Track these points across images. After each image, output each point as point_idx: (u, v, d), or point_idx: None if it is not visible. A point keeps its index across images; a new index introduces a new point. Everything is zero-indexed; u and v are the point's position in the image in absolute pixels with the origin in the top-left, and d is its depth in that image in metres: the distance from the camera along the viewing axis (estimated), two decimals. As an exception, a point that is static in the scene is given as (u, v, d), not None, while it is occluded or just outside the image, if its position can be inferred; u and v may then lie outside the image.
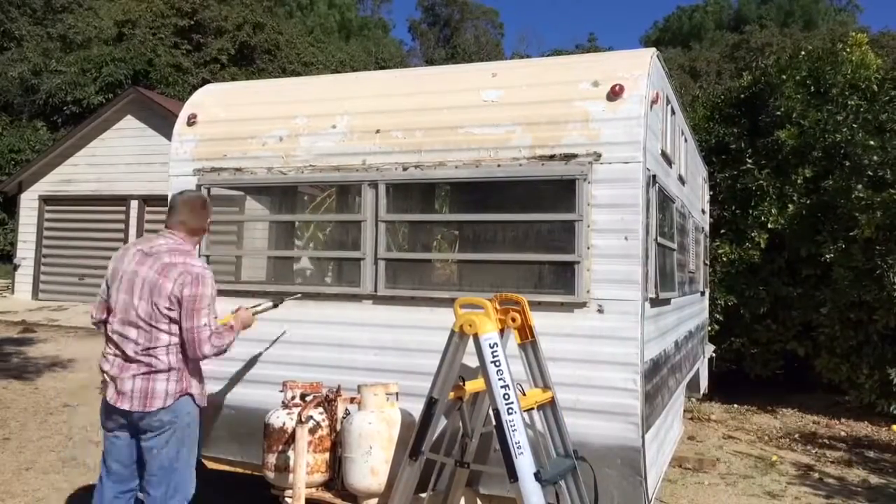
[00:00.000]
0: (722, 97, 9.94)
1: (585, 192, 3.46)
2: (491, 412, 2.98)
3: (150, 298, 3.15)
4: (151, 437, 3.18)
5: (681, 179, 4.90)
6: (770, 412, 8.10)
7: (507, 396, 2.90)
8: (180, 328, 3.16)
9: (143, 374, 3.14)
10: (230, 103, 4.53)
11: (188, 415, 3.25)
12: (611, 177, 3.43)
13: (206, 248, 4.32)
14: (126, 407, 3.14)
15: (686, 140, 5.29)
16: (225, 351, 3.31)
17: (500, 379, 2.92)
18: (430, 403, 3.20)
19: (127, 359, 3.16)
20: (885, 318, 7.47)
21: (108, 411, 3.25)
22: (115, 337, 3.20)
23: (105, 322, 3.30)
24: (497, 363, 2.93)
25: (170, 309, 3.14)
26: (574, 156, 3.49)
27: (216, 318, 3.31)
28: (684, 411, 6.65)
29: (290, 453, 3.54)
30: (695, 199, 6.16)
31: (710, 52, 43.85)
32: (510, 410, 2.89)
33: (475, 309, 3.13)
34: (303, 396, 3.69)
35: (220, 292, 4.25)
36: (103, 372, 3.25)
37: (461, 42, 53.03)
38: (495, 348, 2.95)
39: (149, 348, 3.14)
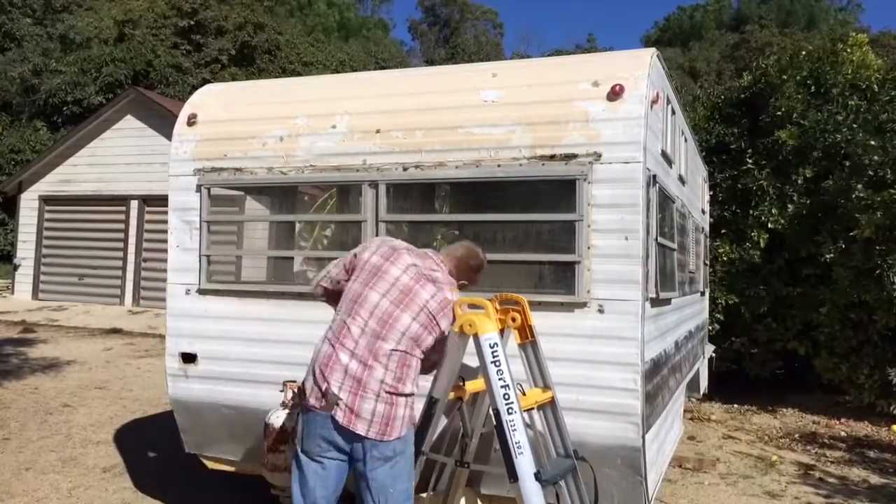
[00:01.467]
0: (722, 97, 9.94)
1: (585, 192, 3.46)
2: (491, 412, 2.97)
3: (425, 325, 2.91)
4: (379, 467, 2.79)
5: (681, 179, 4.91)
6: (770, 412, 8.10)
7: (507, 396, 2.88)
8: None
9: (388, 396, 2.80)
10: (230, 103, 4.53)
11: (411, 444, 2.95)
12: (611, 177, 3.43)
13: (206, 248, 4.32)
14: (362, 431, 2.75)
15: (686, 140, 5.29)
16: None
17: (500, 379, 2.90)
18: (431, 403, 3.19)
19: (371, 374, 2.79)
20: (884, 318, 7.47)
21: (326, 429, 2.80)
22: (361, 342, 2.83)
23: (331, 303, 3.08)
24: (497, 363, 2.91)
25: (432, 342, 2.97)
26: (574, 156, 3.49)
27: None
28: (684, 411, 6.65)
29: (290, 453, 3.54)
30: (695, 199, 6.16)
31: (710, 51, 43.88)
32: (510, 410, 2.87)
33: (475, 309, 3.13)
34: (303, 396, 3.69)
35: (220, 292, 4.29)
36: (323, 377, 2.82)
37: (461, 42, 53.03)
38: (495, 348, 2.93)
39: (402, 370, 2.84)
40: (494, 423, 2.91)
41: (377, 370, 2.80)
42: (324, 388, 2.79)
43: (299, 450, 2.90)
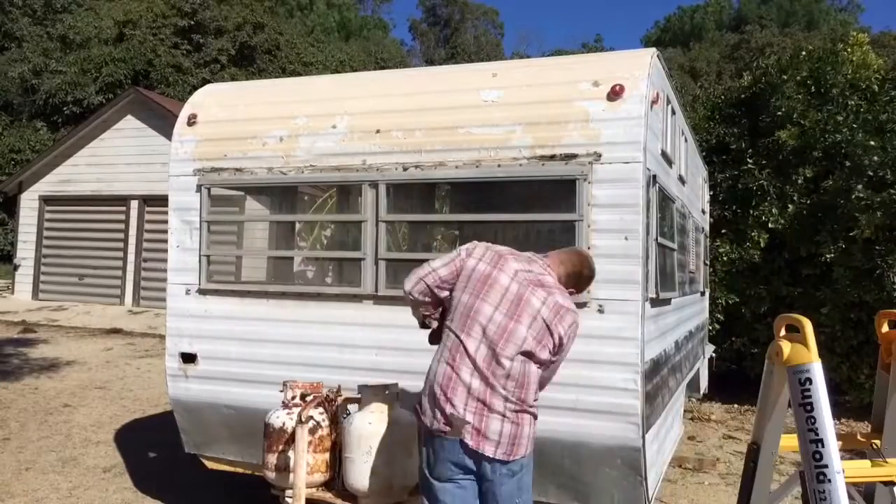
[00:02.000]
0: (722, 97, 9.94)
1: (585, 192, 3.46)
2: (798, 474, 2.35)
3: (539, 336, 2.72)
4: (507, 482, 2.70)
5: (681, 179, 4.90)
6: (770, 412, 8.09)
7: (818, 456, 2.18)
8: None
9: (514, 415, 2.68)
10: (230, 103, 4.53)
11: (532, 457, 2.82)
12: (611, 177, 3.43)
13: (206, 248, 4.32)
14: (490, 453, 2.65)
15: (686, 140, 5.29)
16: None
17: (810, 430, 2.23)
18: (754, 451, 2.75)
19: (493, 393, 2.66)
20: (885, 318, 7.47)
21: (455, 454, 2.68)
22: (479, 359, 2.69)
23: (436, 317, 2.90)
24: (808, 407, 2.28)
25: (551, 354, 2.77)
26: (574, 156, 3.49)
27: None
28: (684, 411, 6.65)
29: (290, 453, 3.54)
30: (695, 199, 6.16)
31: (710, 52, 43.88)
32: (821, 477, 2.15)
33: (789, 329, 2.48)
34: (303, 396, 3.69)
35: (221, 292, 4.29)
36: (446, 398, 2.69)
37: (461, 42, 53.05)
38: (807, 385, 2.31)
39: (522, 387, 2.70)
40: (801, 490, 2.26)
41: (499, 388, 2.67)
42: (448, 413, 2.67)
43: (429, 475, 2.75)
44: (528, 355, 2.71)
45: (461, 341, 2.72)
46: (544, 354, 2.74)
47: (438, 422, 2.70)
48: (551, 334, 2.74)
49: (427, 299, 2.86)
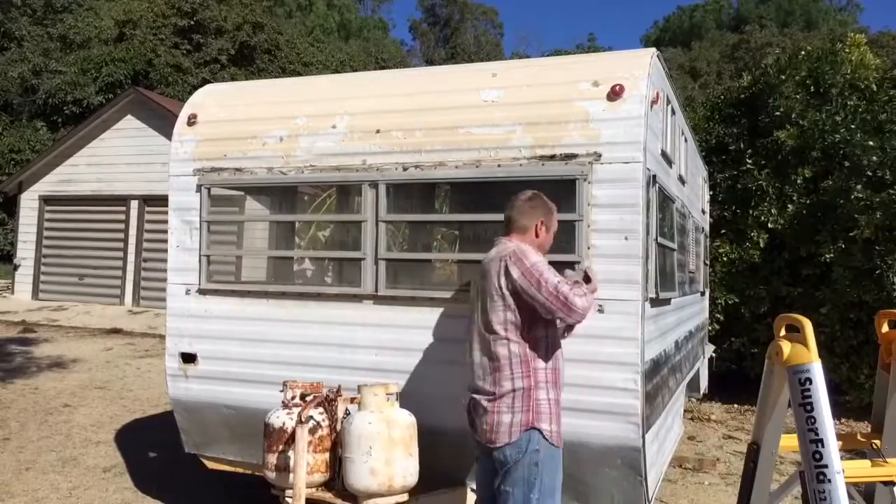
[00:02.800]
0: (722, 97, 9.94)
1: (585, 192, 3.46)
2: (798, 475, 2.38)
3: (488, 306, 2.92)
4: (500, 469, 2.91)
5: (681, 179, 4.90)
6: (770, 412, 8.09)
7: (818, 456, 2.21)
8: (524, 330, 2.89)
9: (490, 404, 2.90)
10: (230, 103, 4.53)
11: (536, 453, 2.85)
12: (611, 177, 3.43)
13: (206, 248, 4.32)
14: (480, 438, 2.98)
15: (686, 140, 5.29)
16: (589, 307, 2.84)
17: (810, 430, 2.26)
18: (753, 451, 2.80)
19: (478, 387, 2.98)
20: (885, 318, 7.47)
21: (473, 437, 3.08)
22: (468, 359, 3.07)
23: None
24: (808, 407, 2.32)
25: (505, 307, 2.87)
26: (574, 156, 3.49)
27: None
28: (684, 411, 6.65)
29: (290, 453, 3.54)
30: (695, 199, 6.16)
31: (710, 51, 43.92)
32: (821, 477, 2.18)
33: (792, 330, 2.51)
34: (303, 396, 3.69)
35: (221, 292, 4.29)
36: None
37: (461, 42, 53.10)
38: (808, 385, 2.36)
39: (494, 368, 2.91)
40: (801, 490, 2.30)
41: (479, 383, 2.97)
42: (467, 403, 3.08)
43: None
44: (489, 332, 2.92)
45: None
46: (507, 317, 2.89)
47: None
48: (489, 289, 2.92)
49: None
